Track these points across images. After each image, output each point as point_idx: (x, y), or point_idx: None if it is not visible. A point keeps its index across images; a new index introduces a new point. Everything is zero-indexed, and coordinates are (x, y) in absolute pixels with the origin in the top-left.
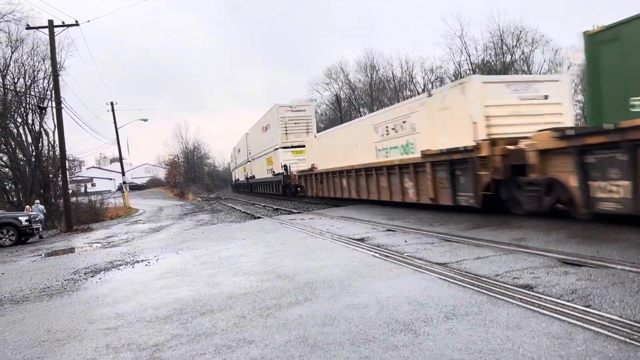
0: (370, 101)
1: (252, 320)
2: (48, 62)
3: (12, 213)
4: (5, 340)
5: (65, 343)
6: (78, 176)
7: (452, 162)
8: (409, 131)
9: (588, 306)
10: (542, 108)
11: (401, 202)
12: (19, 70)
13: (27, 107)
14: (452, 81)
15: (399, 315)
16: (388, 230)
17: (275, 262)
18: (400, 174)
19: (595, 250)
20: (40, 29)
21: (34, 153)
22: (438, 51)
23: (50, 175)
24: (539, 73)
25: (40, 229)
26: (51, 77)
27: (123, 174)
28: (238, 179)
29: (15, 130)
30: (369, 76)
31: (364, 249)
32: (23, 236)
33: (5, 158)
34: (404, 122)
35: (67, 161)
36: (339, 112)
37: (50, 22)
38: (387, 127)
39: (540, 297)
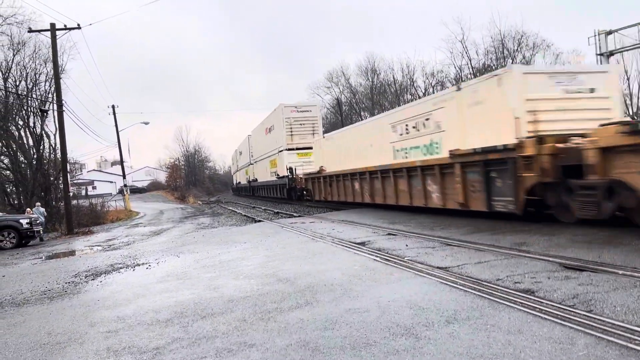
0: (371, 105)
1: (253, 323)
2: (50, 65)
3: (13, 216)
4: (6, 343)
5: (66, 346)
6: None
7: (487, 162)
8: (433, 129)
9: (590, 311)
10: (588, 102)
11: (407, 207)
12: (21, 73)
13: (29, 109)
14: (452, 85)
15: (400, 319)
16: (389, 234)
17: (276, 265)
18: (422, 176)
19: (596, 255)
20: (42, 32)
21: (35, 156)
22: (439, 55)
23: (52, 178)
24: None
25: (41, 232)
26: (53, 80)
27: (124, 177)
28: (239, 182)
29: (16, 133)
30: (370, 80)
31: (365, 252)
32: (24, 239)
33: (6, 160)
34: (426, 119)
35: (68, 164)
36: (340, 116)
37: (53, 25)
38: (406, 125)
39: (541, 302)
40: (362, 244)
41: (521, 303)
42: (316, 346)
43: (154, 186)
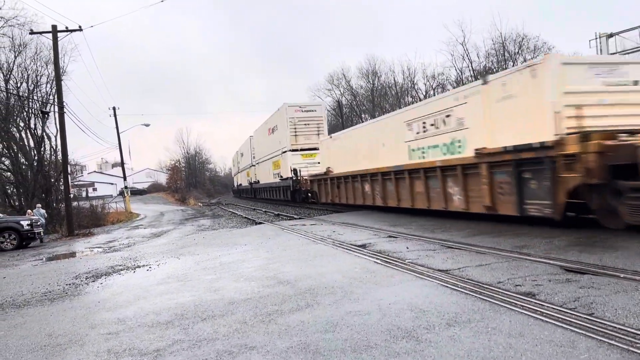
0: (372, 107)
1: (254, 326)
2: (51, 67)
3: (14, 217)
4: (7, 345)
5: (66, 348)
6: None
7: (520, 162)
8: (455, 127)
9: (591, 314)
10: (631, 96)
11: (408, 209)
12: (22, 74)
13: (30, 111)
14: (453, 87)
15: (401, 322)
16: (390, 236)
17: (276, 267)
18: (442, 177)
19: (597, 258)
20: (43, 34)
21: (36, 157)
22: (440, 58)
23: (52, 180)
24: None
25: (42, 233)
26: (54, 82)
27: (124, 178)
28: (240, 184)
29: (17, 135)
30: (371, 82)
31: (366, 255)
32: (24, 240)
33: (7, 162)
34: (447, 116)
35: (69, 165)
36: (341, 118)
37: (54, 27)
38: (424, 123)
39: (542, 305)
40: (363, 246)
41: (522, 306)
42: (317, 348)
43: (155, 188)
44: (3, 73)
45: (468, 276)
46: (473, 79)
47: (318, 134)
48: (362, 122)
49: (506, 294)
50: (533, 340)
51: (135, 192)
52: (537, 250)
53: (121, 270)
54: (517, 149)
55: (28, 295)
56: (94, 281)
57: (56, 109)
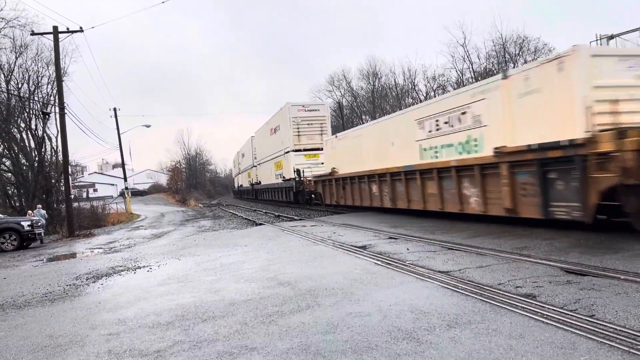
0: (372, 108)
1: (254, 327)
2: (52, 68)
3: (15, 218)
4: (7, 345)
5: (67, 348)
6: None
7: (545, 161)
8: (471, 124)
9: (591, 316)
10: None
11: (408, 210)
12: (23, 75)
13: (31, 112)
14: (454, 89)
15: (402, 323)
16: (390, 237)
17: (277, 269)
18: (458, 178)
19: (598, 260)
20: (45, 35)
21: (36, 158)
22: (441, 59)
23: (53, 181)
24: None
25: (42, 234)
26: (55, 83)
27: (125, 179)
28: (241, 185)
29: (18, 136)
30: (372, 84)
31: (366, 256)
32: (25, 241)
33: (8, 163)
34: (462, 113)
35: (69, 166)
36: (341, 120)
37: (55, 28)
38: (437, 121)
39: (543, 307)
40: (364, 247)
41: (523, 307)
42: (317, 350)
43: (155, 189)
44: (4, 74)
45: (469, 277)
46: (473, 80)
47: (321, 134)
48: (363, 123)
49: (507, 295)
50: (534, 341)
51: (136, 193)
52: (538, 251)
53: (122, 271)
54: (543, 147)
55: (29, 296)
56: (94, 282)
57: (57, 109)
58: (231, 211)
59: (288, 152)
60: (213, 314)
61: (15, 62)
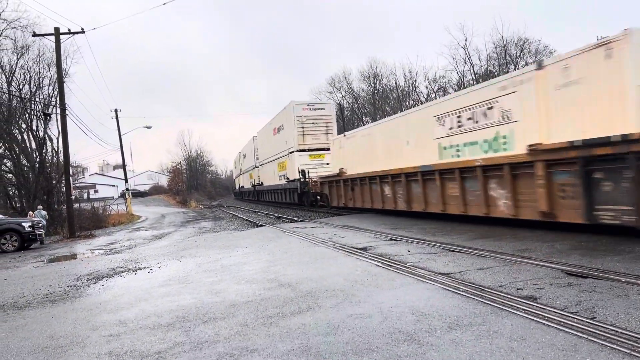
0: (373, 110)
1: (255, 328)
2: (53, 69)
3: (16, 219)
4: (8, 346)
5: (67, 349)
6: (81, 182)
7: (589, 160)
8: (500, 120)
9: (593, 318)
10: None
11: (409, 212)
12: (25, 76)
13: (32, 113)
14: (455, 91)
15: (403, 325)
16: (391, 239)
17: (277, 270)
18: (484, 178)
19: (599, 262)
20: (46, 36)
21: (37, 159)
22: (441, 61)
23: (54, 182)
24: None
25: (43, 235)
26: (56, 84)
27: (126, 180)
28: (242, 187)
29: (19, 136)
30: (372, 85)
31: (367, 258)
32: (26, 242)
33: (9, 164)
34: (489, 108)
35: (70, 167)
36: (342, 121)
37: (57, 29)
38: (458, 117)
39: (544, 309)
40: (364, 249)
41: (524, 310)
42: (318, 351)
43: (156, 190)
44: (6, 75)
45: (469, 279)
46: (474, 82)
47: (327, 134)
48: (364, 125)
49: (508, 297)
50: (535, 344)
51: (137, 194)
52: (539, 253)
53: (122, 272)
54: (588, 143)
55: (29, 297)
56: (95, 283)
57: (58, 110)
58: (232, 212)
59: (292, 152)
60: (214, 315)
61: (16, 63)
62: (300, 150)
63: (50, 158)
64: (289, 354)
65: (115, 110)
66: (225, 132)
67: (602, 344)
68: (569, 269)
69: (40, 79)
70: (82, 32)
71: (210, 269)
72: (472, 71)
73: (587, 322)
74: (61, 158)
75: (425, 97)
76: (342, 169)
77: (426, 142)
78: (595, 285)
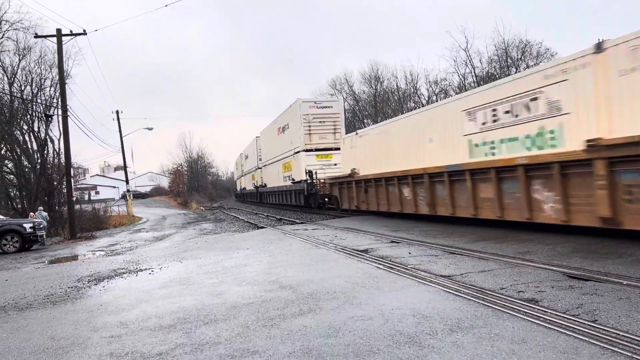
0: (374, 112)
1: (256, 330)
2: (55, 70)
3: (17, 220)
4: (9, 347)
5: (68, 351)
6: (82, 184)
7: None
8: (546, 112)
9: (594, 321)
10: None
11: (409, 214)
12: (26, 77)
13: (34, 114)
14: (456, 93)
15: (404, 327)
16: (392, 241)
17: (278, 272)
18: (526, 178)
19: (600, 265)
20: (48, 38)
21: (39, 160)
22: (443, 63)
23: (55, 183)
24: None
25: (44, 236)
26: (58, 85)
27: (127, 182)
28: (244, 188)
29: (21, 138)
30: (374, 88)
31: (368, 260)
32: (27, 243)
33: (10, 165)
34: (532, 99)
35: (71, 169)
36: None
37: (59, 31)
38: (494, 110)
39: (545, 311)
40: (365, 251)
41: (525, 312)
42: (319, 353)
43: (157, 192)
44: (7, 76)
45: (471, 282)
46: (476, 84)
47: (334, 133)
48: (364, 127)
49: (509, 300)
50: (536, 346)
51: (138, 196)
52: (540, 256)
53: (123, 273)
54: None
55: (30, 298)
56: (96, 284)
57: (59, 112)
58: (233, 214)
59: (298, 152)
60: (215, 317)
61: (18, 64)
62: (307, 150)
63: (51, 159)
64: (290, 356)
65: (117, 112)
66: (226, 133)
67: (604, 347)
68: (570, 271)
69: (42, 80)
70: (84, 33)
71: (211, 270)
72: (473, 74)
73: (588, 324)
74: (62, 159)
75: (427, 99)
76: (354, 169)
77: (454, 139)
78: (597, 288)
